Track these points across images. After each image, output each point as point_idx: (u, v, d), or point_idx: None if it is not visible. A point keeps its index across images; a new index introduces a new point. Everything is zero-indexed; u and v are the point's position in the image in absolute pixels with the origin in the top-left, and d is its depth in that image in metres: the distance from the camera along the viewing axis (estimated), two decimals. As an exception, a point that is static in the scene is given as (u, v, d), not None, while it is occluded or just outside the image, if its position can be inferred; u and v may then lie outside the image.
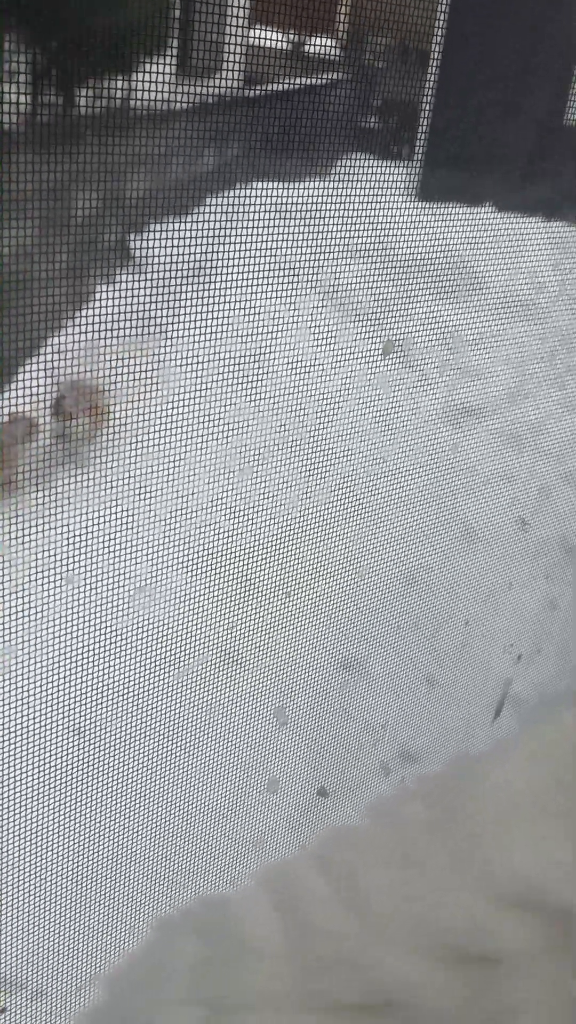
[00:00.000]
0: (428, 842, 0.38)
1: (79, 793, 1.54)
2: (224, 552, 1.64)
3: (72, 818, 1.52)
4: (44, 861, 1.49)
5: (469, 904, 0.34)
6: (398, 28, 1.57)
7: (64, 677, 1.38)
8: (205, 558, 1.61)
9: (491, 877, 0.35)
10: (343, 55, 1.71)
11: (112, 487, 1.39)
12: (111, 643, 1.47)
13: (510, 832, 0.36)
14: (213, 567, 1.65)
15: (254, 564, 1.71)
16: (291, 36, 1.58)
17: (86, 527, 1.35)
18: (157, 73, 1.19)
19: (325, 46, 1.67)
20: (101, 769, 1.58)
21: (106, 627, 1.45)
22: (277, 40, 1.49)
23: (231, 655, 1.79)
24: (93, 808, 1.57)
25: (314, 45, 1.63)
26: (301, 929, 0.37)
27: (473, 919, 0.34)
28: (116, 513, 1.39)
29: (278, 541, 1.71)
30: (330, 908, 0.38)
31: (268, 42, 1.46)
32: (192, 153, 1.44)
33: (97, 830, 1.58)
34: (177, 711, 1.69)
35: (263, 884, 0.40)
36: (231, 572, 1.69)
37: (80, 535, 1.34)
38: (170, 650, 1.64)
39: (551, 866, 0.34)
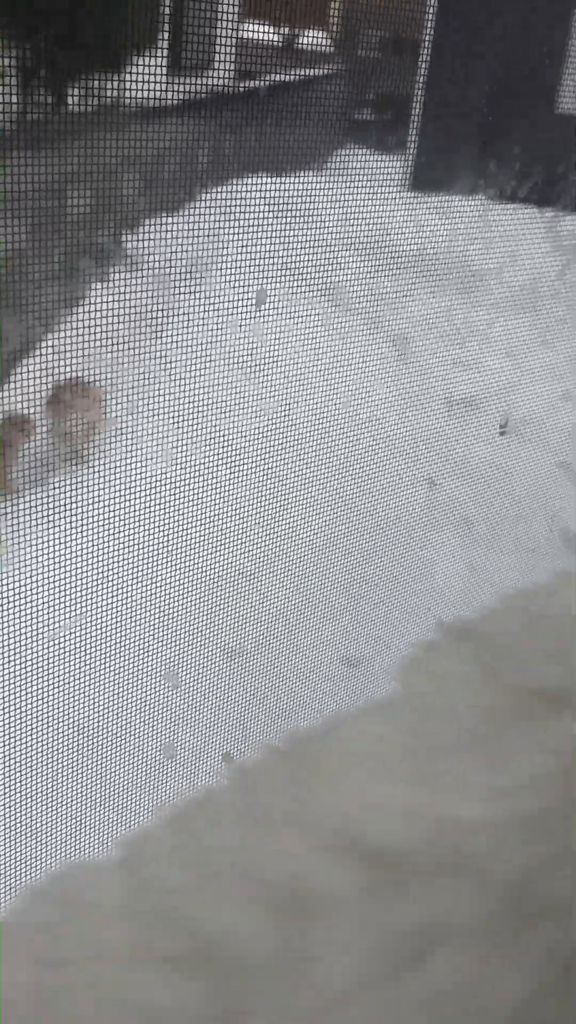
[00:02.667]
0: (272, 797, 0.39)
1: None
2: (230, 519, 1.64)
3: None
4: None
5: (294, 853, 0.35)
6: (389, 19, 1.57)
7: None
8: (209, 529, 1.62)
9: (318, 825, 0.36)
10: (335, 48, 1.71)
11: (111, 484, 1.39)
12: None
13: (344, 782, 0.37)
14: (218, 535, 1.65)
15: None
16: (283, 30, 1.57)
17: (87, 525, 1.36)
18: (149, 69, 1.18)
19: (317, 39, 1.66)
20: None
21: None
22: (269, 34, 1.48)
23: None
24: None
25: (306, 38, 1.63)
26: (142, 885, 0.38)
27: (293, 866, 0.35)
28: (118, 508, 1.39)
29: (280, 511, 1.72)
30: (171, 865, 0.39)
31: (260, 36, 1.45)
32: (185, 149, 1.43)
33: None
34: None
35: (121, 847, 0.41)
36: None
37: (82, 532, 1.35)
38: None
39: (369, 809, 0.35)
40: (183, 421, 1.43)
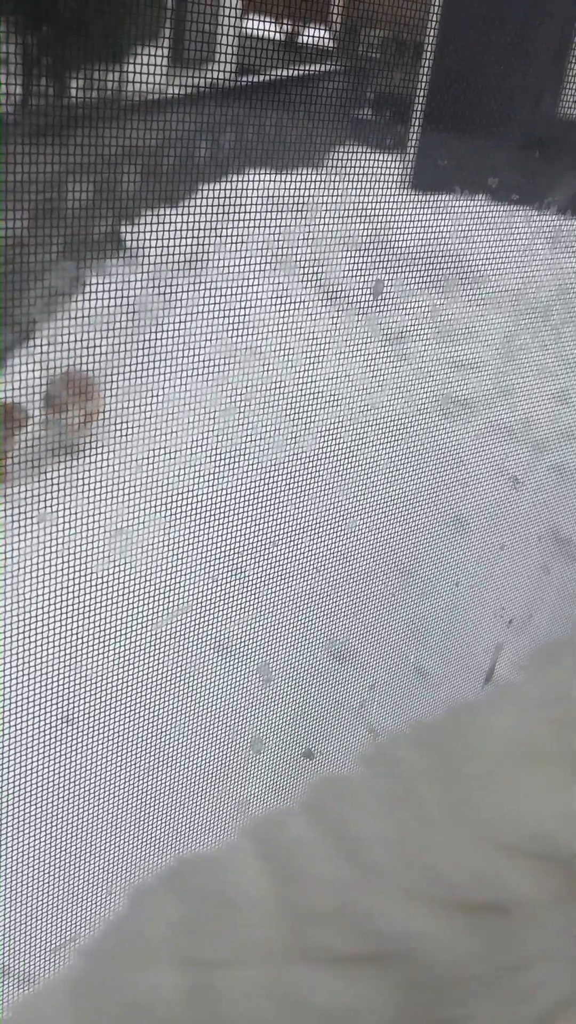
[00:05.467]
0: (426, 789, 0.37)
1: (51, 753, 1.55)
2: (218, 531, 1.64)
3: (42, 779, 1.53)
4: (11, 825, 1.50)
5: (473, 852, 0.33)
6: (393, 18, 1.57)
7: (55, 646, 1.40)
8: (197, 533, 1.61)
9: (495, 825, 0.34)
10: (337, 45, 1.71)
11: (105, 476, 1.39)
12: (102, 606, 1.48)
13: (512, 779, 0.35)
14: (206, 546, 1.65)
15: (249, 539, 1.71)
16: (285, 26, 1.57)
17: (78, 515, 1.36)
18: (150, 62, 1.19)
19: (319, 36, 1.66)
20: (78, 730, 1.59)
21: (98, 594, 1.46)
22: (271, 30, 1.49)
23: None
24: (66, 769, 1.58)
25: (308, 35, 1.63)
26: (290, 880, 0.36)
27: (478, 867, 0.33)
28: (110, 503, 1.39)
29: (272, 519, 1.72)
30: (322, 857, 0.36)
31: (261, 32, 1.46)
32: (185, 143, 1.43)
33: (68, 791, 1.59)
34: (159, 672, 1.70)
35: (247, 836, 0.39)
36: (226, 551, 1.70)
37: (72, 523, 1.35)
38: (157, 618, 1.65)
39: (557, 813, 0.33)
40: (179, 413, 1.43)
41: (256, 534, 1.72)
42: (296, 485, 1.78)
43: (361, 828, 0.36)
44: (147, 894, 0.40)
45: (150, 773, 1.76)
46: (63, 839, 1.60)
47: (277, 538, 1.77)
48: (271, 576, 1.85)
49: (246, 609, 1.86)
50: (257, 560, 1.79)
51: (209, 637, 1.80)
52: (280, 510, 1.73)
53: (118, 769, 1.69)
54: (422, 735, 0.40)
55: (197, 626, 1.75)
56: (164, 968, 0.35)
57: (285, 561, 1.85)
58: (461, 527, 2.20)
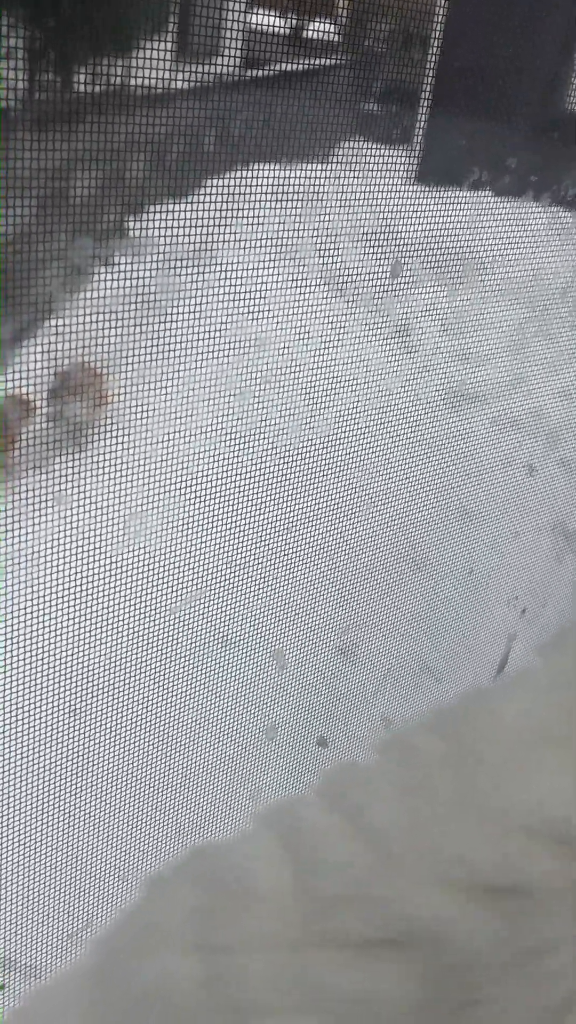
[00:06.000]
0: (444, 774, 0.37)
1: (61, 743, 1.55)
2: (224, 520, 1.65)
3: (53, 771, 1.53)
4: (24, 819, 1.50)
5: (489, 837, 0.34)
6: (399, 11, 1.57)
7: (68, 633, 1.40)
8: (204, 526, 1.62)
9: (510, 810, 0.34)
10: (342, 38, 1.71)
11: (113, 467, 1.40)
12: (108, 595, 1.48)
13: (526, 765, 0.35)
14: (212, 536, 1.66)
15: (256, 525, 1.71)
16: (291, 18, 1.58)
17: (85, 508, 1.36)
18: (156, 54, 1.19)
19: (323, 21, 1.66)
20: (88, 718, 1.59)
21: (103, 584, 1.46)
22: (277, 22, 1.49)
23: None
24: (78, 757, 1.58)
25: (313, 26, 1.63)
26: (306, 866, 0.36)
27: (494, 852, 0.33)
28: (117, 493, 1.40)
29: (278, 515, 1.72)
30: (337, 843, 0.36)
31: (268, 24, 1.46)
32: (191, 135, 1.44)
33: (81, 781, 1.59)
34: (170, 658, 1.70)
35: (262, 823, 0.39)
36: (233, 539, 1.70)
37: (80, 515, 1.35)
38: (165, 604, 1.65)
39: (571, 798, 0.33)
40: (186, 405, 1.44)
41: (268, 525, 1.72)
42: (306, 477, 1.78)
43: (376, 815, 0.36)
44: (162, 883, 0.41)
45: (163, 762, 1.76)
46: (76, 830, 1.61)
47: (291, 526, 1.77)
48: (286, 565, 1.85)
49: (259, 596, 1.87)
50: (271, 549, 1.79)
51: (223, 624, 1.80)
52: (291, 501, 1.74)
53: (130, 758, 1.70)
54: (436, 722, 0.40)
55: (210, 613, 1.76)
56: (180, 955, 0.36)
57: (303, 549, 1.86)
58: (471, 519, 2.20)
